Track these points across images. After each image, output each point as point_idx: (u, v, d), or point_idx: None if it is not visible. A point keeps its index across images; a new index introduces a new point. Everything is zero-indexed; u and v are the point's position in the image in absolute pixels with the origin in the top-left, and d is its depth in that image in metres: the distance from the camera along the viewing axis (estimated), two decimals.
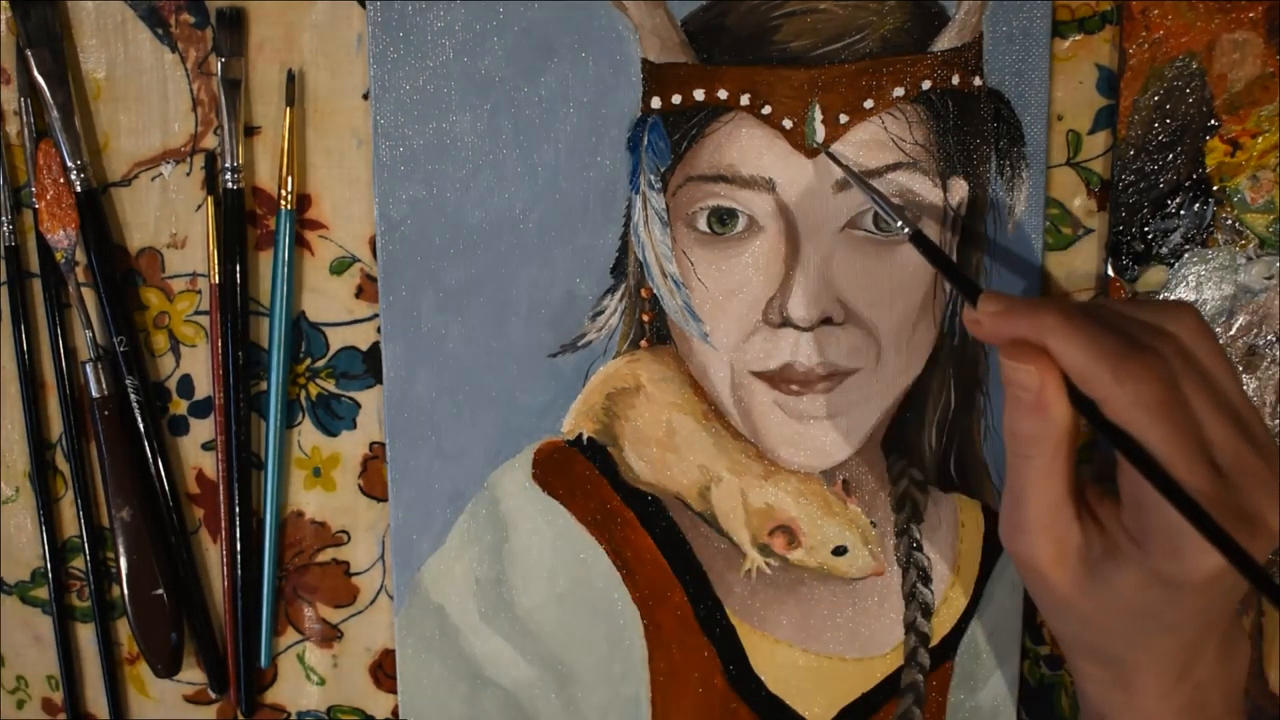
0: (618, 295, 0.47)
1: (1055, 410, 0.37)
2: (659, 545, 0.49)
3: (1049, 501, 0.38)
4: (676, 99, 0.45)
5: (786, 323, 0.46)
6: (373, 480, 0.50)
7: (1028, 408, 0.37)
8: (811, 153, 0.45)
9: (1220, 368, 0.38)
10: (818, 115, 0.45)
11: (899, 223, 0.43)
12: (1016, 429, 0.38)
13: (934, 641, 0.49)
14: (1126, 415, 0.36)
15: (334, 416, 0.50)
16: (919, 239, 0.43)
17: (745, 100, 0.45)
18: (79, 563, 0.51)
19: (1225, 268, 0.47)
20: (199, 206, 0.48)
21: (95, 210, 0.48)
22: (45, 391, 0.50)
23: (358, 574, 0.51)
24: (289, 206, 0.47)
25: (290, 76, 0.47)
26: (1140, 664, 0.39)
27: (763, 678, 0.49)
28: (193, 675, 0.51)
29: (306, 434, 0.50)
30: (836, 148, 0.45)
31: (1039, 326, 0.37)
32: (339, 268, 0.49)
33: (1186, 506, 0.34)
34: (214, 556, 0.51)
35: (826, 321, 0.46)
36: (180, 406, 0.50)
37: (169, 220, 0.49)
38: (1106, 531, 0.38)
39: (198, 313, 0.49)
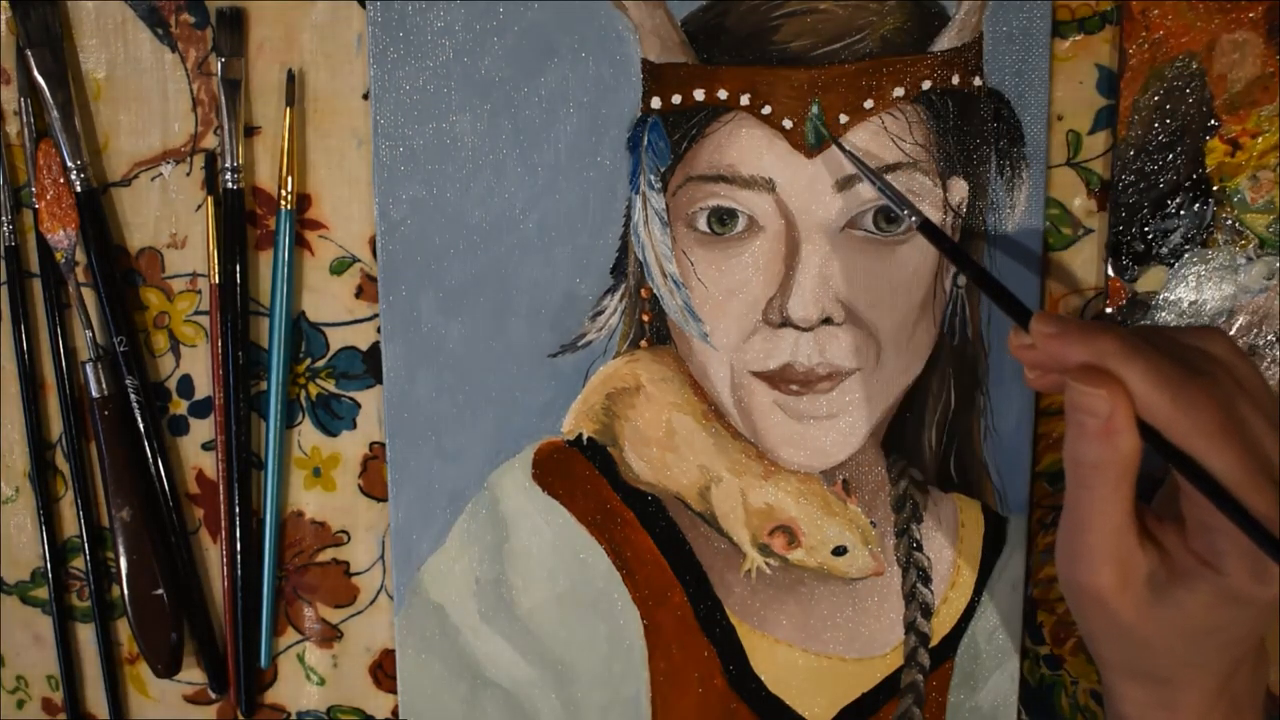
0: (618, 295, 0.47)
1: (1124, 438, 0.36)
2: (659, 545, 0.49)
3: (1113, 529, 0.38)
4: (676, 99, 0.45)
5: (786, 323, 0.46)
6: (373, 480, 0.50)
7: (1094, 435, 0.36)
8: (811, 153, 0.45)
9: (1262, 386, 0.38)
10: (818, 115, 0.45)
11: (907, 211, 0.43)
12: (1080, 456, 0.37)
13: (934, 641, 0.49)
14: (1188, 442, 0.35)
15: (334, 416, 0.50)
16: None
17: (745, 100, 0.45)
18: (79, 563, 0.51)
19: (1225, 268, 0.47)
20: (199, 206, 0.48)
21: (95, 210, 0.48)
22: (45, 391, 0.50)
23: (358, 574, 0.51)
24: (289, 206, 0.47)
25: (290, 76, 0.47)
26: (1190, 682, 0.39)
27: (763, 678, 0.49)
28: (193, 675, 0.51)
29: (306, 434, 0.50)
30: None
31: (1098, 351, 0.36)
32: (339, 268, 0.49)
33: (1260, 533, 0.34)
34: (214, 556, 0.51)
35: (826, 321, 0.46)
36: (180, 406, 0.50)
37: (169, 220, 0.49)
38: (1170, 555, 0.38)
39: (198, 313, 0.49)
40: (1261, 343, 0.47)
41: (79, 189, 0.47)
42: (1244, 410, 0.36)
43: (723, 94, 0.45)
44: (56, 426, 0.50)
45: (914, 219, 0.43)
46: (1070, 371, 0.37)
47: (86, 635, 0.51)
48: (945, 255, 0.45)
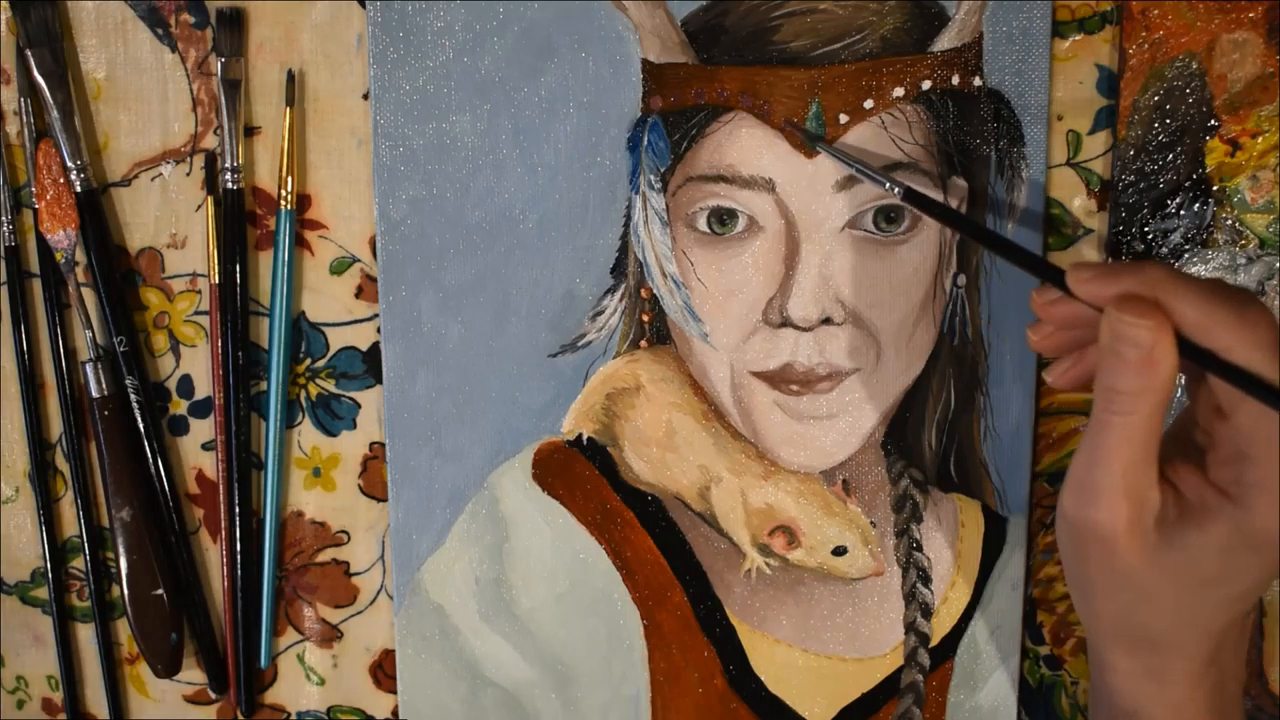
0: (618, 295, 0.47)
1: (1164, 366, 0.36)
2: (659, 545, 0.49)
3: (1136, 461, 0.37)
4: (676, 99, 0.45)
5: (786, 323, 0.46)
6: (373, 480, 0.50)
7: (1135, 365, 0.36)
8: (811, 153, 0.45)
9: None
10: (818, 115, 0.45)
11: (889, 185, 0.43)
12: (1117, 384, 0.36)
13: (934, 641, 0.49)
14: (1249, 358, 0.35)
15: (334, 416, 0.50)
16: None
17: (745, 100, 0.45)
18: (79, 563, 0.51)
19: (1225, 268, 0.47)
20: (199, 206, 0.48)
21: (95, 210, 0.48)
22: (45, 391, 0.50)
23: (358, 574, 0.51)
24: (289, 206, 0.47)
25: (290, 76, 0.47)
26: (1182, 645, 0.38)
27: (763, 678, 0.49)
28: (193, 675, 0.51)
29: (306, 434, 0.50)
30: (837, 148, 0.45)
31: (1147, 281, 0.36)
32: (339, 268, 0.49)
33: None
34: (214, 556, 0.51)
35: (826, 322, 0.46)
36: (180, 406, 0.50)
37: (169, 220, 0.49)
38: (1182, 493, 0.37)
39: (198, 313, 0.49)
40: None
41: (79, 189, 0.47)
42: None
43: (723, 94, 0.45)
44: (56, 426, 0.50)
45: (897, 190, 0.43)
46: (1117, 301, 0.36)
47: (86, 635, 0.51)
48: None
